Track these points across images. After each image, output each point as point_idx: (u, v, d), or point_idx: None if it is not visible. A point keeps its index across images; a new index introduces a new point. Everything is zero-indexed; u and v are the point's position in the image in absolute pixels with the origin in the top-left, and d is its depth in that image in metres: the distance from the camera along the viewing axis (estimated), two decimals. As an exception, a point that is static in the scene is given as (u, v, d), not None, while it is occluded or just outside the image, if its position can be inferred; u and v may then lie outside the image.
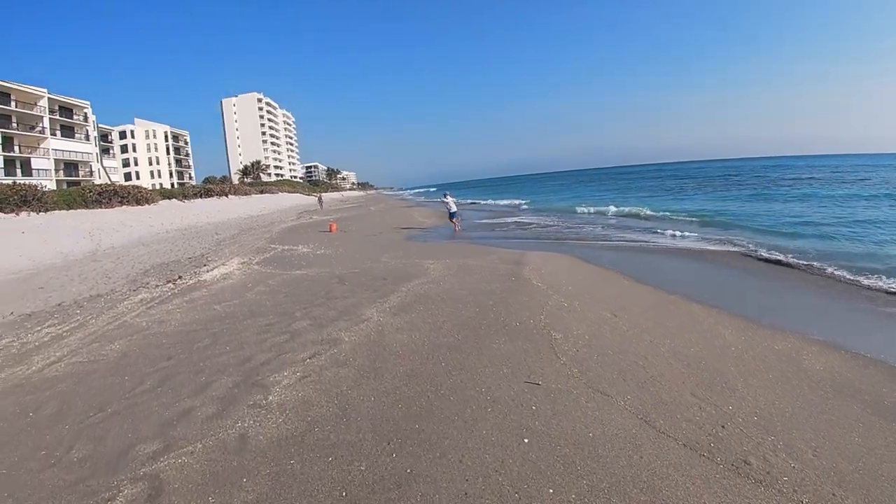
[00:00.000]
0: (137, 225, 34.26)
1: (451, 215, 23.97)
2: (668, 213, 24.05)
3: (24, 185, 35.84)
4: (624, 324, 7.23)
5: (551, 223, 24.94)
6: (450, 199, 24.23)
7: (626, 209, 27.55)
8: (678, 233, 17.80)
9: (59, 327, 9.60)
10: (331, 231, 25.13)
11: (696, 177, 71.21)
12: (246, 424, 4.84)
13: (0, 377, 6.93)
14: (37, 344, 8.51)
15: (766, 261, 12.37)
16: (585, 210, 29.53)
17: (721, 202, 30.47)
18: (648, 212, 25.41)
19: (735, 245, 14.43)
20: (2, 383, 6.67)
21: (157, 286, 13.03)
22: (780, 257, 12.47)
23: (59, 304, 11.93)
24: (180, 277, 13.96)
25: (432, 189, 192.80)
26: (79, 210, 38.12)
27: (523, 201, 46.66)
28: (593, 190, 62.39)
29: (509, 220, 28.73)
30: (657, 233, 18.30)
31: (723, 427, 4.40)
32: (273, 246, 20.15)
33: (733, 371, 5.67)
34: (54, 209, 36.70)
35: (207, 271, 14.60)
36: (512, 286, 9.33)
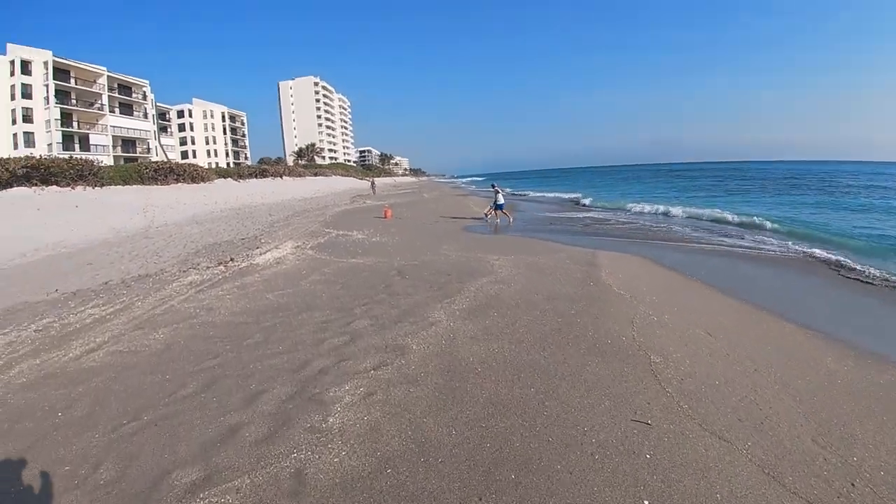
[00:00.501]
0: (192, 203, 34.30)
1: (499, 206, 23.32)
2: (738, 216, 22.10)
3: (81, 159, 36.32)
4: (722, 345, 6.10)
5: (614, 220, 23.47)
6: (500, 192, 23.67)
7: (692, 209, 25.52)
8: (754, 238, 16.17)
9: (103, 308, 9.07)
10: (385, 217, 24.40)
11: (756, 178, 67.81)
12: (303, 456, 3.97)
13: (35, 363, 6.39)
14: (78, 326, 7.98)
15: (852, 276, 10.86)
16: (649, 208, 27.19)
17: (791, 207, 28.09)
18: (718, 213, 23.40)
19: (816, 255, 12.86)
20: (35, 370, 6.12)
21: (207, 268, 12.46)
22: (870, 272, 10.98)
23: (105, 283, 11.47)
24: (232, 260, 13.39)
25: (481, 178, 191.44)
26: (134, 186, 38.52)
27: (580, 195, 45.15)
28: (649, 187, 59.81)
29: (570, 214, 27.16)
30: (731, 236, 16.63)
31: (853, 485, 3.63)
32: (327, 230, 19.52)
33: (847, 410, 4.69)
34: (110, 184, 37.12)
35: (260, 254, 14.00)
36: (591, 292, 8.25)
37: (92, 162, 36.50)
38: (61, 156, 42.39)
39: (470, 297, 8.30)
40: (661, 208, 25.73)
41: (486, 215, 24.54)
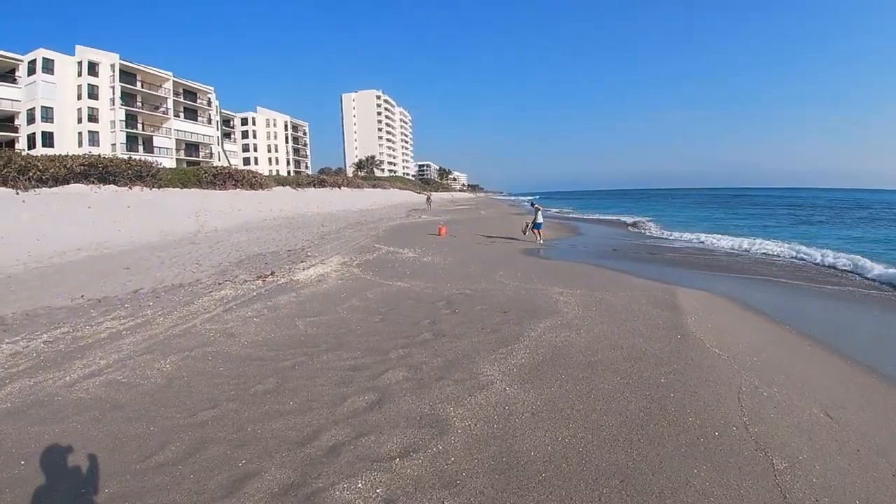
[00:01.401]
0: (246, 209, 34.14)
1: (537, 226, 22.26)
2: (828, 251, 19.64)
3: (139, 160, 36.75)
4: (849, 436, 4.47)
5: (681, 247, 21.52)
6: (540, 211, 22.69)
7: (766, 242, 23.05)
8: (857, 277, 14.07)
9: (123, 321, 8.34)
10: (440, 235, 23.30)
11: (824, 206, 63.69)
12: None
13: (28, 384, 5.67)
14: (90, 341, 7.29)
15: None
16: (724, 241, 24.67)
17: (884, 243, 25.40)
18: (806, 250, 20.91)
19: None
20: (24, 394, 5.40)
21: (245, 281, 11.62)
22: None
23: (135, 291, 10.78)
24: (273, 273, 12.51)
25: (537, 196, 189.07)
26: (192, 189, 38.60)
27: (644, 218, 43.03)
28: (714, 211, 56.85)
29: (634, 240, 25.21)
30: (821, 276, 14.70)
31: None
32: (378, 246, 18.52)
33: None
34: (168, 186, 37.28)
35: (303, 269, 13.07)
36: (680, 349, 6.54)
37: (150, 163, 36.81)
38: (125, 156, 43.12)
39: (531, 346, 6.75)
40: (737, 242, 23.27)
41: (524, 232, 23.55)
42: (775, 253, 18.88)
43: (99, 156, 33.97)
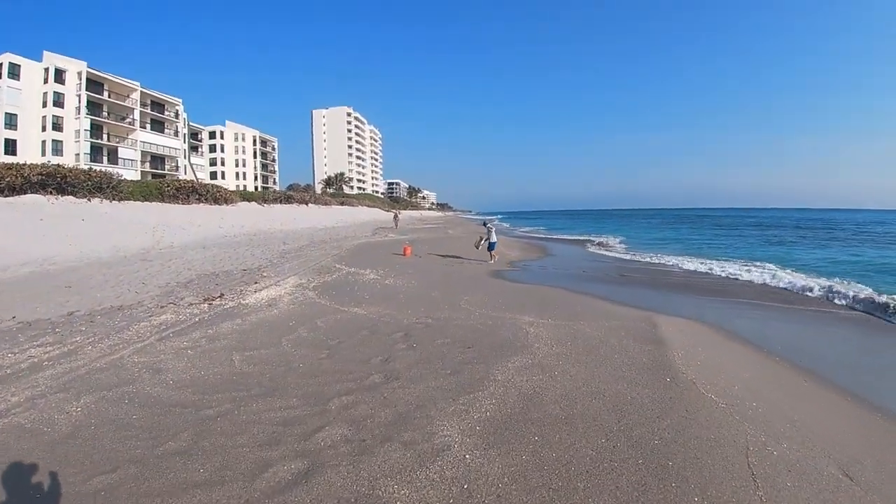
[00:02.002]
0: (207, 225, 33.03)
1: (491, 246, 21.67)
2: (801, 273, 19.35)
3: (99, 171, 35.48)
4: (874, 500, 4.04)
5: (653, 268, 21.46)
6: (493, 230, 22.22)
7: (738, 263, 22.74)
8: (835, 295, 13.73)
9: (48, 349, 7.47)
10: (405, 255, 22.49)
11: (791, 226, 64.20)
12: None
13: None
14: (8, 372, 6.50)
15: None
16: (698, 264, 23.94)
17: (860, 259, 25.17)
18: (774, 268, 20.60)
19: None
20: None
21: (189, 304, 10.76)
22: None
23: (70, 314, 9.87)
24: (221, 296, 11.67)
25: (502, 215, 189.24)
26: (154, 203, 37.41)
27: (613, 238, 42.78)
28: (680, 232, 56.76)
29: (604, 261, 24.66)
30: (805, 296, 14.39)
31: None
32: (338, 266, 17.68)
33: None
34: (129, 199, 36.07)
35: (255, 291, 12.23)
36: (672, 396, 5.72)
37: (111, 175, 35.54)
38: (88, 166, 41.76)
39: (497, 394, 5.75)
40: (708, 263, 22.73)
41: (477, 247, 23.06)
42: (748, 276, 18.50)
43: (58, 165, 32.70)
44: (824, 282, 16.03)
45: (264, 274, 15.32)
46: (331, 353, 7.42)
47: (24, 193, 29.67)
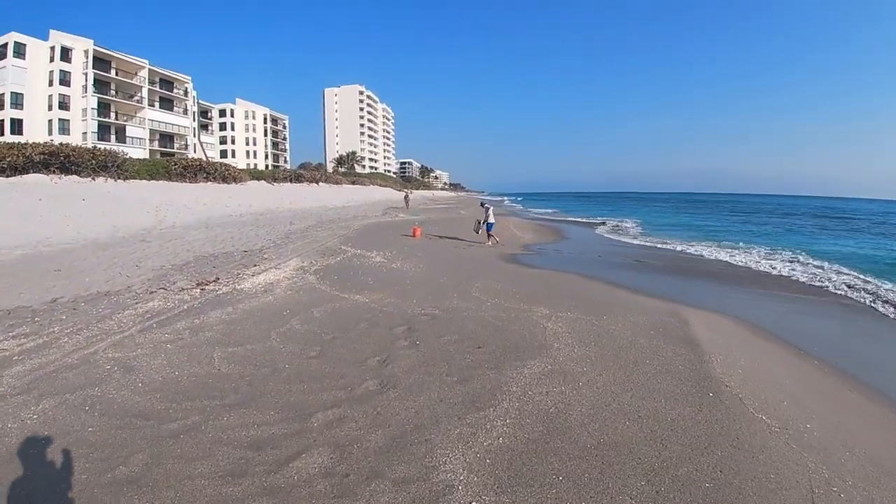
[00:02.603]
0: (213, 204, 32.31)
1: (488, 227, 20.95)
2: (827, 262, 18.34)
3: (104, 150, 34.77)
4: None
5: (670, 253, 20.73)
6: (490, 210, 21.46)
7: (761, 250, 21.95)
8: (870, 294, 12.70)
9: (23, 341, 6.83)
10: (414, 236, 21.75)
11: (809, 214, 62.82)
12: None
13: None
14: None
15: None
16: (716, 251, 22.94)
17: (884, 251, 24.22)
18: (800, 257, 19.72)
19: None
20: None
21: (181, 290, 10.05)
22: None
23: (53, 301, 9.21)
24: (216, 280, 10.95)
25: (514, 196, 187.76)
26: (160, 182, 36.73)
27: (631, 222, 41.77)
28: (696, 216, 55.40)
29: (618, 245, 24.20)
30: (833, 284, 13.59)
31: None
32: (344, 248, 16.93)
33: None
34: (135, 178, 35.44)
35: (252, 275, 11.51)
36: (718, 418, 4.74)
37: (116, 153, 34.85)
38: (97, 145, 41.16)
39: (513, 411, 4.81)
40: (727, 250, 21.88)
41: (476, 231, 22.18)
42: (771, 265, 17.56)
43: (61, 144, 32.06)
44: (856, 275, 15.24)
45: (265, 256, 14.58)
46: (322, 351, 6.56)
47: (27, 173, 29.22)
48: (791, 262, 18.44)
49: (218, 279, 11.06)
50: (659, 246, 24.23)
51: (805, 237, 32.43)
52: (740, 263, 18.29)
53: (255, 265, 12.94)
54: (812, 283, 14.45)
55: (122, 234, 18.56)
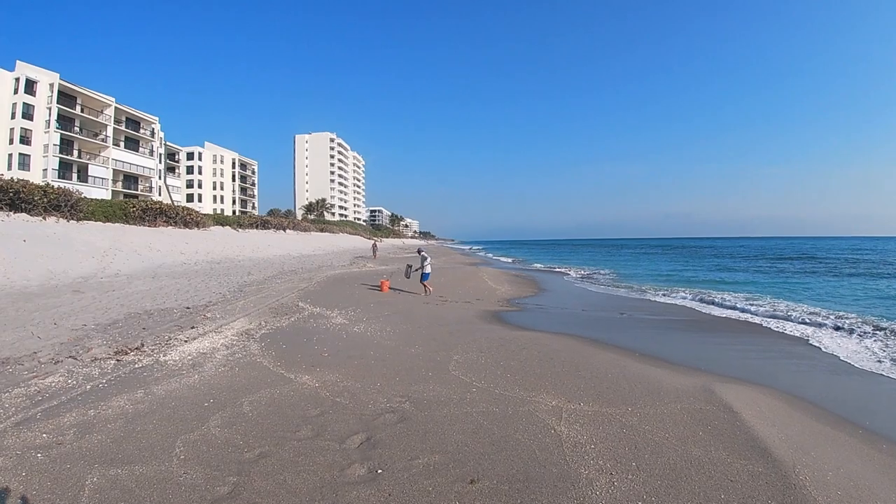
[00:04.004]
0: (167, 250, 30.25)
1: (424, 276, 19.89)
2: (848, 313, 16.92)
3: (57, 188, 32.70)
4: None
5: (657, 306, 18.68)
6: (429, 259, 20.21)
7: (766, 300, 20.44)
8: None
9: None
10: (382, 290, 19.90)
11: (793, 257, 60.93)
12: None
13: None
14: None
15: None
16: (690, 293, 21.99)
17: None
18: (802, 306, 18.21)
19: None
20: None
21: (93, 360, 8.22)
22: None
23: (-73, 373, 7.27)
24: (140, 347, 9.11)
25: (482, 245, 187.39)
26: (115, 224, 34.69)
27: (605, 270, 40.48)
28: (671, 262, 53.37)
29: (608, 300, 21.76)
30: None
31: None
32: (302, 305, 15.08)
33: None
34: (90, 219, 33.43)
35: (186, 341, 9.68)
36: None
37: (69, 192, 32.80)
38: (57, 183, 39.14)
39: None
40: (732, 299, 20.27)
41: (407, 276, 21.51)
42: (763, 310, 16.22)
43: (11, 180, 30.00)
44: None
45: (208, 315, 12.67)
46: (236, 488, 4.42)
47: (-30, 210, 27.15)
48: (782, 308, 17.33)
49: (142, 346, 9.21)
50: (635, 295, 22.98)
51: (788, 277, 31.52)
52: (744, 311, 17.11)
53: (192, 327, 11.08)
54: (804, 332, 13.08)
55: (56, 283, 16.51)
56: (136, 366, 7.99)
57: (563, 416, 6.28)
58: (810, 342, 12.27)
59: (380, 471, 4.74)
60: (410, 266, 21.28)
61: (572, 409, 6.59)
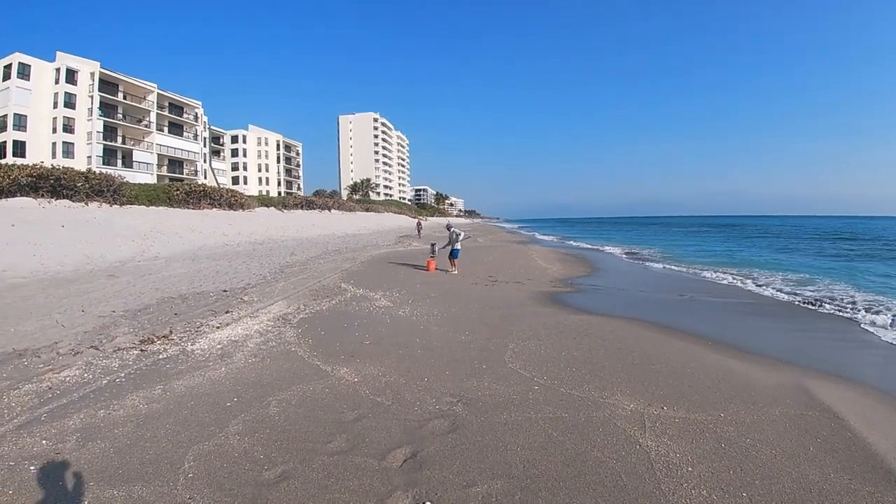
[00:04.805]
0: (209, 232, 30.02)
1: (454, 253, 18.79)
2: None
3: (99, 173, 32.95)
4: None
5: (715, 287, 17.57)
6: (460, 235, 19.24)
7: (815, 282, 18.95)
8: None
9: None
10: (428, 269, 19.00)
11: (846, 237, 57.41)
12: None
13: None
14: None
15: None
16: (763, 276, 20.36)
17: None
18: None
19: None
20: None
21: (115, 350, 7.56)
22: None
23: (-64, 368, 6.71)
24: (168, 334, 8.43)
25: (524, 223, 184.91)
26: (158, 208, 34.69)
27: (655, 250, 38.57)
28: (723, 242, 49.90)
29: (663, 278, 20.66)
30: None
31: None
32: (344, 286, 14.32)
33: None
34: (133, 203, 33.49)
35: (217, 327, 8.97)
36: None
37: (111, 177, 32.90)
38: (101, 169, 39.59)
39: None
40: (779, 275, 19.15)
41: (434, 253, 20.15)
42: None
43: (52, 167, 30.16)
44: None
45: (246, 297, 12.00)
46: None
47: (13, 196, 27.27)
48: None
49: (170, 333, 8.52)
50: (692, 275, 21.43)
51: (846, 261, 28.90)
52: (789, 297, 15.37)
53: (227, 311, 10.39)
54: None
55: (91, 267, 16.16)
56: (160, 356, 7.28)
57: (647, 425, 5.18)
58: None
59: (428, 503, 3.73)
60: (435, 245, 20.34)
61: (655, 414, 5.48)
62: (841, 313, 12.80)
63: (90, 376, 6.46)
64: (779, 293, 16.17)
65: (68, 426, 4.96)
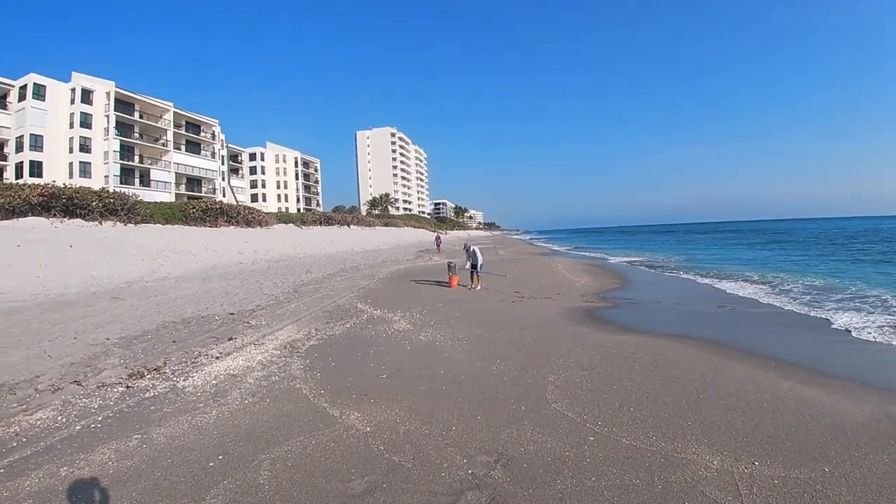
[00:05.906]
0: (224, 250, 29.44)
1: (474, 268, 18.39)
2: None
3: (113, 192, 32.62)
4: None
5: (749, 296, 15.88)
6: (478, 252, 18.80)
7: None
8: None
9: None
10: (451, 286, 18.18)
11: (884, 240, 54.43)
12: None
13: None
14: None
15: None
16: (799, 285, 18.85)
17: None
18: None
19: None
20: None
21: (100, 386, 6.75)
22: None
23: None
24: (160, 367, 7.61)
25: (540, 233, 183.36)
26: (173, 226, 34.32)
27: (682, 258, 36.96)
28: (749, 249, 48.43)
29: (697, 289, 19.22)
30: None
31: None
32: (361, 307, 13.44)
33: None
34: (149, 222, 33.16)
35: (216, 358, 8.13)
36: None
37: (126, 196, 32.63)
38: (118, 189, 39.47)
39: None
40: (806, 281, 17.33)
41: (453, 273, 18.99)
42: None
43: (64, 186, 29.94)
44: None
45: (252, 322, 11.16)
46: None
47: (26, 216, 26.97)
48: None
49: (163, 365, 7.69)
50: (727, 287, 19.33)
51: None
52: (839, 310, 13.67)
53: (230, 338, 9.53)
54: None
55: (96, 289, 15.48)
56: (146, 395, 6.42)
57: (743, 492, 3.94)
58: None
59: None
60: (451, 264, 19.25)
61: (748, 474, 4.24)
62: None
63: (64, 420, 5.65)
64: (819, 301, 14.74)
65: (23, 489, 4.12)
